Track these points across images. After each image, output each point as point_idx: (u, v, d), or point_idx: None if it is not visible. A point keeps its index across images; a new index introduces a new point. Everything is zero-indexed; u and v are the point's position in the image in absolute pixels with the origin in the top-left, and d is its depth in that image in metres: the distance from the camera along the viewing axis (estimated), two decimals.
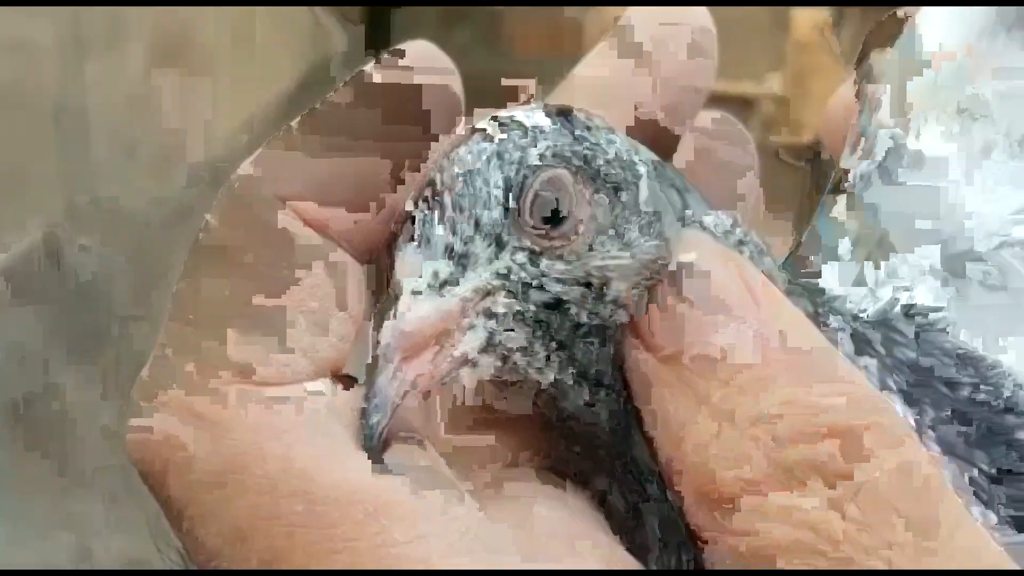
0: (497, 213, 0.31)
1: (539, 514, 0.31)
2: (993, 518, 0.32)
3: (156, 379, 0.31)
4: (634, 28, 0.37)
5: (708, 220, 0.33)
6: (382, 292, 0.32)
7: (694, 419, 0.30)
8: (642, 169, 0.33)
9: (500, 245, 0.31)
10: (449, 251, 0.31)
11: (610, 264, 0.32)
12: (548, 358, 0.32)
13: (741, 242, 0.33)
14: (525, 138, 0.32)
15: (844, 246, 0.35)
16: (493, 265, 0.31)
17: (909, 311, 0.35)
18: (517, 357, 0.31)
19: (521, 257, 0.31)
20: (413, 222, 0.32)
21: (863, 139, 0.36)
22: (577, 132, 0.32)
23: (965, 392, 0.33)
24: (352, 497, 0.29)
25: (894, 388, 0.33)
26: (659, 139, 0.36)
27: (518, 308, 0.31)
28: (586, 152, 0.32)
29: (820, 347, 0.31)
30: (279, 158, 0.32)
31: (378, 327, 0.31)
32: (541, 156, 0.32)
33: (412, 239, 0.31)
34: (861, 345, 0.33)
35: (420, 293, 0.31)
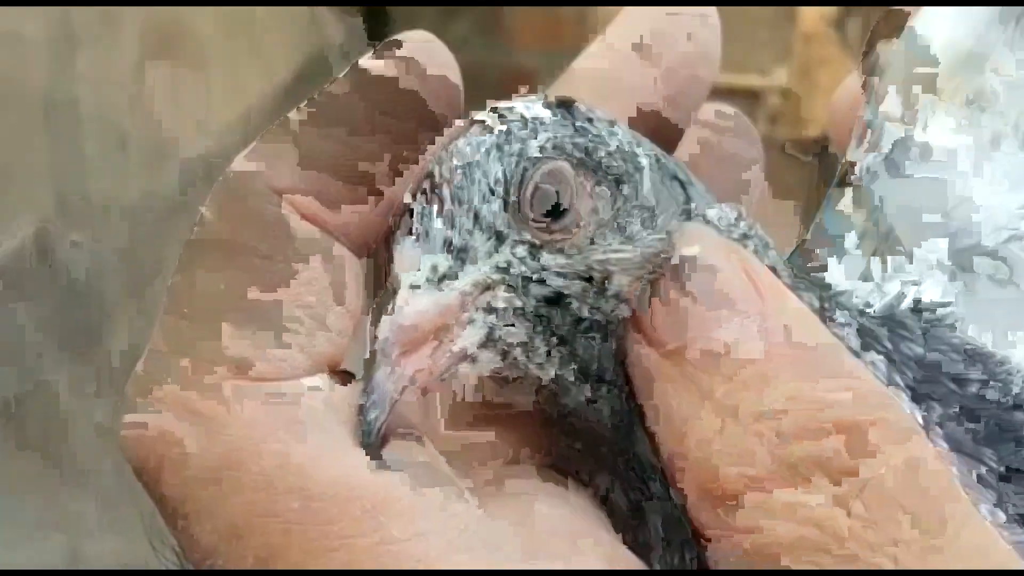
0: (497, 206, 0.31)
1: (540, 512, 0.31)
2: (1002, 516, 0.31)
3: (151, 374, 0.31)
4: (635, 19, 0.37)
5: (712, 213, 0.33)
6: (380, 286, 0.32)
7: (697, 415, 0.30)
8: (644, 161, 0.33)
9: (500, 239, 0.31)
10: (448, 245, 0.31)
11: (612, 258, 0.31)
12: (549, 353, 0.31)
13: (745, 235, 0.33)
14: (525, 130, 0.32)
15: (850, 240, 0.35)
16: (493, 259, 0.31)
17: (916, 306, 0.35)
18: (517, 352, 0.31)
19: (521, 251, 0.31)
20: (411, 215, 0.31)
21: (869, 131, 0.36)
22: (578, 124, 0.32)
23: (973, 388, 0.33)
24: (350, 494, 0.29)
25: (901, 384, 0.33)
26: (661, 131, 0.36)
27: (518, 303, 0.31)
28: (587, 144, 0.32)
29: (825, 342, 0.31)
30: (275, 150, 0.31)
31: (376, 322, 0.30)
32: (541, 148, 0.31)
33: (410, 232, 0.31)
34: (868, 340, 0.33)
35: (418, 287, 0.31)
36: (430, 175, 0.31)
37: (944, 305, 0.34)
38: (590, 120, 0.32)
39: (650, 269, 0.31)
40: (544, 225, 0.31)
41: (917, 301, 0.35)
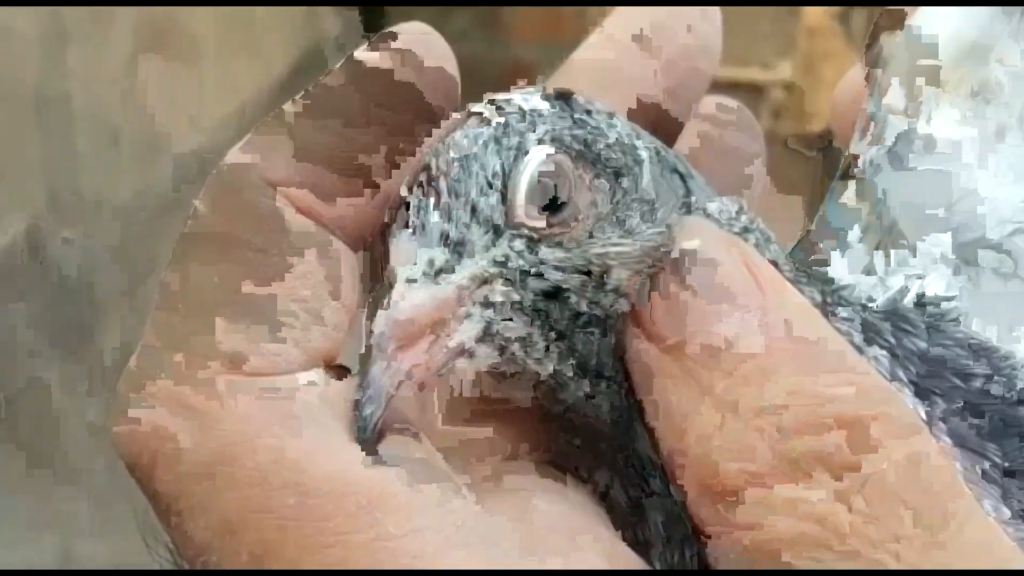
0: (494, 199, 0.31)
1: (539, 508, 0.31)
2: (1006, 512, 0.31)
3: (144, 370, 0.30)
4: (635, 11, 0.36)
5: (712, 207, 0.33)
6: (376, 280, 0.31)
7: (697, 410, 0.30)
8: (644, 154, 0.32)
9: (497, 232, 0.31)
10: (444, 238, 0.30)
11: (611, 251, 0.31)
12: (547, 348, 0.31)
13: (746, 229, 0.33)
14: (523, 122, 0.31)
15: (854, 233, 0.35)
16: (490, 252, 0.31)
17: (920, 300, 0.34)
18: (515, 347, 0.31)
19: (519, 244, 0.31)
20: (408, 208, 0.31)
21: (873, 124, 0.35)
22: (577, 116, 0.32)
23: (977, 383, 0.33)
24: (345, 489, 0.28)
25: (904, 379, 0.32)
26: (661, 124, 0.36)
27: (516, 297, 0.31)
28: (586, 136, 0.32)
29: (827, 336, 0.30)
30: (270, 143, 0.31)
31: (372, 316, 0.30)
32: (540, 141, 0.31)
33: (407, 226, 0.31)
34: (871, 335, 0.33)
35: (415, 281, 0.30)
36: (427, 168, 0.31)
37: (948, 299, 0.34)
38: (589, 112, 0.32)
39: (650, 263, 0.31)
40: (542, 218, 0.31)
41: (921, 295, 0.34)
